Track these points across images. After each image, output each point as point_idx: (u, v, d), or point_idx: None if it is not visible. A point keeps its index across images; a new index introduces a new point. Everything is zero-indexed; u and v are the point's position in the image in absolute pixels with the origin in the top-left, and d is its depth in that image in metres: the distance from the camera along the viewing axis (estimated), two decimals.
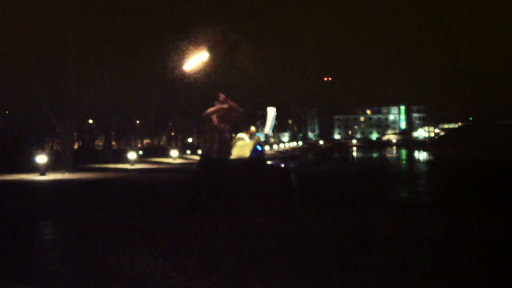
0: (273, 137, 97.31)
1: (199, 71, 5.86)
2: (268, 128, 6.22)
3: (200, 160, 5.56)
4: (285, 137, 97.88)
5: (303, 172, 15.86)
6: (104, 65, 16.37)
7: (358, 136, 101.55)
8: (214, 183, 5.41)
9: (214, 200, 5.69)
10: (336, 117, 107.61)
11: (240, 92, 22.39)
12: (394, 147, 57.37)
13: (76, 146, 37.54)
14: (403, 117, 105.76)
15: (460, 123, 78.58)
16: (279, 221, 5.68)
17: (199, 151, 5.81)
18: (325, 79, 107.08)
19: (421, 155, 35.02)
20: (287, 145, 57.11)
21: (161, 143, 59.82)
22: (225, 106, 5.43)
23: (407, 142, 71.83)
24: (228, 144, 5.52)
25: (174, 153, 24.46)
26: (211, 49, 5.74)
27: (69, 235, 5.01)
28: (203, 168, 5.44)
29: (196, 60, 5.88)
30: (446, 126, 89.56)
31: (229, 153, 5.53)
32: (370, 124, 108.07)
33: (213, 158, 5.34)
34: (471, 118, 75.59)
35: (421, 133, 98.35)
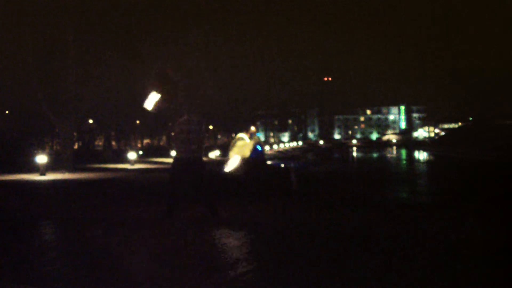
0: (273, 137, 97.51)
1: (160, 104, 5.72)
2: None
3: (173, 163, 5.67)
4: (285, 137, 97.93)
5: (303, 172, 15.86)
6: (104, 65, 16.35)
7: (358, 136, 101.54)
8: (190, 183, 5.56)
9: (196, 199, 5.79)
10: (336, 117, 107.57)
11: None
12: (394, 147, 57.38)
13: (76, 146, 37.54)
14: (403, 117, 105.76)
15: (460, 123, 78.60)
16: (279, 221, 5.68)
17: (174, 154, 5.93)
18: (325, 79, 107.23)
19: (421, 155, 35.01)
20: (287, 145, 57.08)
21: (161, 143, 59.87)
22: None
23: (407, 142, 71.86)
24: (200, 143, 5.61)
25: (174, 153, 24.41)
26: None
27: (69, 235, 5.01)
28: (176, 170, 5.57)
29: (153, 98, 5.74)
30: (446, 126, 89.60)
31: (201, 152, 5.66)
32: (370, 124, 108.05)
33: (187, 158, 5.48)
34: (471, 118, 75.60)
35: (421, 133, 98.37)
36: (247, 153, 8.03)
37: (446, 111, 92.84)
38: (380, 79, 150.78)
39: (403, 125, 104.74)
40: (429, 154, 36.06)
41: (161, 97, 5.60)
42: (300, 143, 68.60)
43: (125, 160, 20.09)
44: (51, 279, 3.31)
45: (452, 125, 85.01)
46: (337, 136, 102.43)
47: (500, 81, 72.80)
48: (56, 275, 3.42)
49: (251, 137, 8.22)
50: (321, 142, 76.36)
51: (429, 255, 3.96)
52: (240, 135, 8.18)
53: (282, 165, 19.37)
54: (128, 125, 39.03)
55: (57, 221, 5.82)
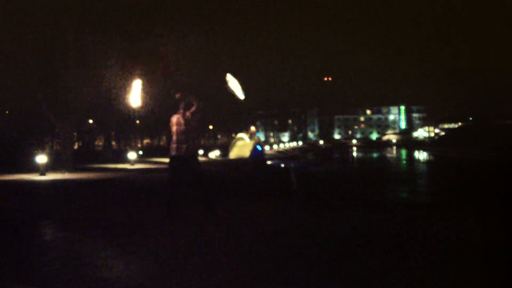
0: (273, 137, 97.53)
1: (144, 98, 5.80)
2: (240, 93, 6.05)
3: (169, 162, 5.66)
4: (285, 137, 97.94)
5: (303, 172, 15.86)
6: (104, 65, 16.35)
7: (358, 136, 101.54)
8: (188, 182, 5.55)
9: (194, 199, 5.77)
10: (336, 117, 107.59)
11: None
12: (394, 147, 57.39)
13: (76, 146, 37.54)
14: (403, 117, 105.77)
15: (460, 123, 78.61)
16: (279, 221, 5.68)
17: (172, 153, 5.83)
18: (325, 79, 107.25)
19: (421, 155, 35.00)
20: (287, 145, 57.09)
21: (161, 143, 59.87)
22: (185, 104, 5.61)
23: (407, 142, 71.86)
24: (195, 141, 5.61)
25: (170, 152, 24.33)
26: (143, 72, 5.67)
27: (69, 235, 5.01)
28: (174, 170, 5.55)
29: (136, 92, 5.87)
30: (446, 126, 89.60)
31: (196, 150, 5.63)
32: (370, 124, 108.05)
33: (182, 157, 5.47)
34: (471, 118, 75.58)
35: (421, 133, 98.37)
36: (247, 153, 8.03)
37: (446, 111, 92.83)
38: (380, 79, 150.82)
39: (403, 125, 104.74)
40: (429, 154, 36.06)
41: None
42: (300, 143, 68.62)
43: (125, 160, 20.09)
44: (51, 279, 3.32)
45: (452, 125, 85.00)
46: (337, 136, 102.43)
47: (500, 81, 72.76)
48: (56, 275, 3.42)
49: (251, 137, 8.23)
50: (321, 142, 76.39)
51: (429, 255, 3.96)
52: (240, 135, 8.19)
53: (282, 165, 19.36)
54: (128, 125, 39.02)
55: (57, 221, 5.82)
